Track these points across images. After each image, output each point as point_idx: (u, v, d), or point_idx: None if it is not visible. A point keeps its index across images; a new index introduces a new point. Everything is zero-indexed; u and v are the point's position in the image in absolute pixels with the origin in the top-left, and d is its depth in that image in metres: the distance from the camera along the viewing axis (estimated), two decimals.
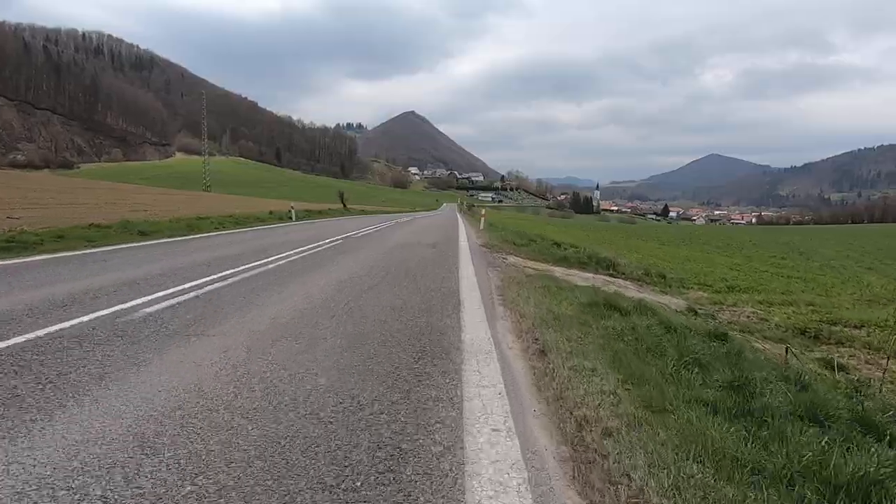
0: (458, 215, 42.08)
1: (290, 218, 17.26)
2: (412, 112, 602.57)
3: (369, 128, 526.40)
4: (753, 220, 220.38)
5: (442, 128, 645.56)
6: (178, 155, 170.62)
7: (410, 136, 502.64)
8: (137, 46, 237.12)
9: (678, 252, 20.61)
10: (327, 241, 9.97)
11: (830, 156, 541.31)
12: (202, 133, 67.21)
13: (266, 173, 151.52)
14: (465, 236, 13.01)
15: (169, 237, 9.63)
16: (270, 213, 17.55)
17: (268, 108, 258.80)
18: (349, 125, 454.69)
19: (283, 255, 7.62)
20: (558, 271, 7.99)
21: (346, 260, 7.38)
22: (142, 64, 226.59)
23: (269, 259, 7.08)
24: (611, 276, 8.92)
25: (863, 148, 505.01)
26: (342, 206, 31.62)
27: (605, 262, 9.66)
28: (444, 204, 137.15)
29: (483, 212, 16.42)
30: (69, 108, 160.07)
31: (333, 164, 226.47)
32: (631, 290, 7.55)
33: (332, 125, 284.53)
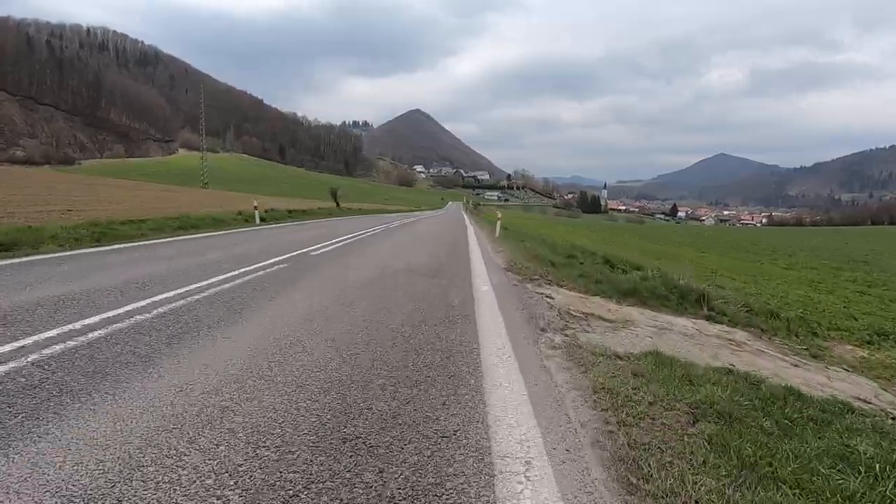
0: (465, 216, 38.77)
1: (261, 219, 13.93)
2: (417, 110, 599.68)
3: (375, 126, 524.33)
4: (763, 221, 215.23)
5: (447, 126, 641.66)
6: (181, 151, 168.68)
7: (415, 134, 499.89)
8: (142, 42, 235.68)
9: (731, 264, 17.32)
10: (269, 262, 6.41)
11: (840, 156, 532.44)
12: (200, 128, 64.41)
13: (269, 170, 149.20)
14: (477, 250, 9.68)
15: (27, 255, 6.39)
16: (239, 213, 14.39)
17: (272, 106, 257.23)
18: (355, 123, 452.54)
19: (111, 314, 3.49)
20: (640, 319, 4.79)
21: (235, 339, 3.14)
22: (146, 60, 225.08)
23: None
24: (710, 319, 5.74)
25: (874, 148, 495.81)
26: (335, 204, 28.04)
27: (690, 294, 6.46)
28: (450, 203, 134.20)
29: (499, 215, 13.23)
30: (72, 104, 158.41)
31: (338, 161, 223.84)
32: (777, 360, 4.35)
33: (338, 123, 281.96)
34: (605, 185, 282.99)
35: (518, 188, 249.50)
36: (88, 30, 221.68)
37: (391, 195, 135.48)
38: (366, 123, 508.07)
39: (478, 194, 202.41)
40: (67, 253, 6.72)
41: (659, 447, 1.96)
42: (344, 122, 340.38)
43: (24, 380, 2.37)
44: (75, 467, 1.73)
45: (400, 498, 1.63)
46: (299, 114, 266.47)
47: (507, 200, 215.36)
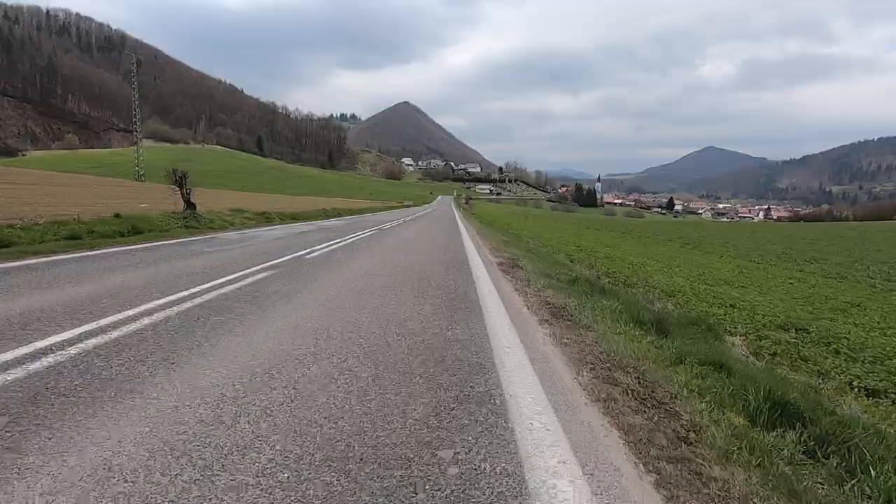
0: (458, 216, 29.10)
1: None
2: (406, 103, 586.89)
3: (363, 118, 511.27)
4: (761, 216, 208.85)
5: (437, 119, 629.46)
6: (146, 142, 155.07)
7: (405, 127, 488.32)
8: (108, 26, 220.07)
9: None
10: None
11: (829, 148, 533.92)
12: (134, 111, 53.30)
13: (240, 162, 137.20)
14: None
15: None
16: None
17: (252, 95, 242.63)
18: (343, 115, 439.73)
19: None
20: None
21: None
22: (111, 45, 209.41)
23: None
24: None
25: (862, 140, 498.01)
26: (185, 204, 12.58)
27: None
28: (439, 197, 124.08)
29: None
30: (23, 91, 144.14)
31: (320, 153, 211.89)
32: None
33: (326, 115, 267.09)
34: (599, 178, 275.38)
35: (510, 181, 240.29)
36: (48, 11, 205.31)
37: (376, 189, 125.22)
38: (353, 116, 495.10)
39: (468, 187, 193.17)
40: None
41: None
42: (332, 115, 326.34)
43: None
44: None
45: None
46: (280, 104, 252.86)
47: (499, 194, 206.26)
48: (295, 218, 15.69)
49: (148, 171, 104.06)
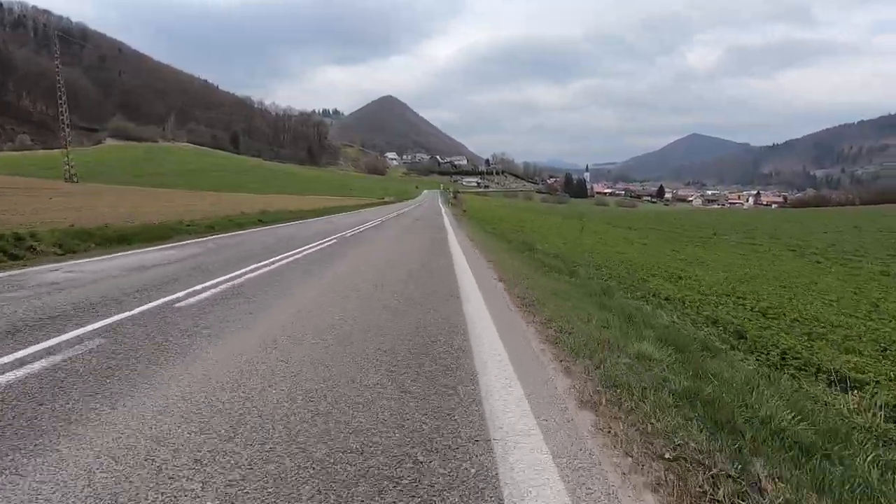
0: (447, 220, 23.10)
1: None
2: (390, 96, 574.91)
3: (346, 113, 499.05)
4: (751, 202, 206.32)
5: (422, 113, 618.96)
6: (109, 141, 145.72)
7: (390, 121, 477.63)
8: (67, 19, 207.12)
9: None
10: None
11: (811, 132, 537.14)
12: (59, 105, 45.84)
13: (213, 160, 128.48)
14: None
15: None
16: None
17: (228, 91, 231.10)
18: (325, 111, 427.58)
19: None
20: None
21: None
22: (70, 37, 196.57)
23: None
24: None
25: (843, 124, 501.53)
26: None
27: None
28: (424, 191, 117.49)
29: None
30: None
31: (300, 149, 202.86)
32: None
33: (308, 111, 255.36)
34: (588, 168, 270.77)
35: (497, 173, 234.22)
36: (2, 4, 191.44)
37: (360, 185, 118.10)
38: (336, 111, 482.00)
39: (455, 181, 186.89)
40: None
41: None
42: (314, 111, 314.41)
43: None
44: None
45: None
46: (257, 98, 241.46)
47: (486, 187, 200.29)
48: (123, 240, 8.62)
49: (108, 171, 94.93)
